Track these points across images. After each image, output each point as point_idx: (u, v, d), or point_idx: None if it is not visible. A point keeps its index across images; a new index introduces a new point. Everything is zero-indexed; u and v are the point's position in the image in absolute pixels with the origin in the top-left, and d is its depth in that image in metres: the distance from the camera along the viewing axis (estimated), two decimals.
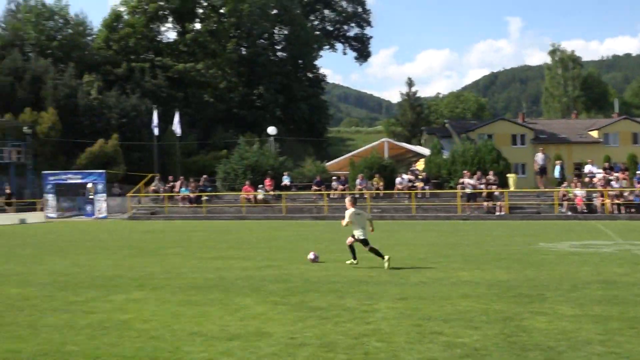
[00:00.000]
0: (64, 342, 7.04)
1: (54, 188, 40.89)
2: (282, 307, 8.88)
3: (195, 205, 38.46)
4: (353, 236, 13.35)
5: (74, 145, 51.02)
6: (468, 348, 6.54)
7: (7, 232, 27.51)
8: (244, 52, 73.81)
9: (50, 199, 40.78)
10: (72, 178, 41.56)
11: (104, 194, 40.20)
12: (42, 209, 41.26)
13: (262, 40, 75.48)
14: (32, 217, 37.63)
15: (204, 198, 38.64)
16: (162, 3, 65.01)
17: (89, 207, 40.94)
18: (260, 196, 37.71)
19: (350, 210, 13.38)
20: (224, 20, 71.16)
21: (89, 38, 66.31)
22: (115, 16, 65.71)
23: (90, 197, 40.98)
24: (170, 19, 69.02)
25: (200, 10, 71.10)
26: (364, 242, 13.20)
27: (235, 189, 39.92)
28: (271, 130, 46.61)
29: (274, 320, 8.06)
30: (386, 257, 12.83)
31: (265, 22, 71.71)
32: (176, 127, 49.01)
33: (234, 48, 69.74)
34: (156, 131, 48.61)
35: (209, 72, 63.09)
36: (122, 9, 67.50)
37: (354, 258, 13.48)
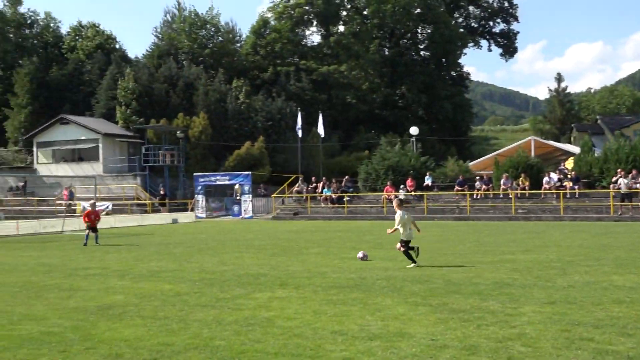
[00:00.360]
0: (211, 337, 7.35)
1: (204, 189, 42.81)
2: (423, 309, 8.80)
3: (337, 205, 38.92)
4: (401, 241, 13.46)
5: (223, 148, 53.15)
6: (621, 356, 6.18)
7: (161, 231, 29.10)
8: (386, 53, 73.84)
9: (200, 199, 42.74)
10: (221, 180, 43.34)
11: (250, 195, 41.59)
12: (192, 209, 43.30)
13: (405, 40, 75.18)
14: (183, 217, 39.58)
15: (346, 199, 39.01)
16: (307, 8, 66.32)
17: (235, 208, 42.53)
18: (401, 196, 37.56)
19: (399, 213, 13.34)
20: (367, 22, 71.56)
21: (237, 45, 68.87)
22: (263, 22, 67.78)
23: (237, 198, 42.56)
24: (314, 23, 70.25)
25: (344, 13, 71.85)
26: (407, 243, 13.28)
27: (376, 190, 40.00)
28: (413, 130, 46.32)
29: (415, 321, 7.99)
30: (412, 265, 13.15)
31: (408, 21, 71.34)
32: (320, 129, 49.91)
33: (376, 49, 69.92)
34: (300, 133, 49.72)
35: (352, 73, 63.57)
36: (269, 15, 69.56)
37: (414, 261, 13.49)
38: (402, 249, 13.62)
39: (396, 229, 13.69)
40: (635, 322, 7.59)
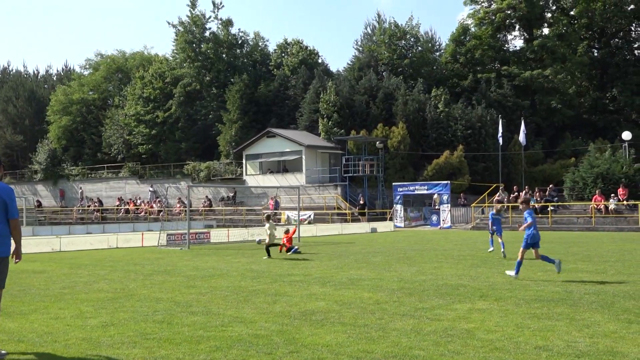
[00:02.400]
0: (410, 347, 7.35)
1: (402, 198, 43.04)
2: (637, 327, 8.20)
3: (541, 215, 37.36)
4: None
5: (421, 157, 53.07)
6: None
7: (361, 240, 29.65)
8: (595, 54, 69.83)
9: (399, 209, 43.02)
10: (419, 189, 43.35)
11: (449, 204, 41.18)
12: (390, 219, 43.68)
13: (617, 39, 70.63)
14: (381, 226, 40.02)
15: (550, 208, 37.36)
16: (509, 12, 64.56)
17: (434, 217, 42.30)
18: (611, 206, 35.28)
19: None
20: (574, 22, 68.21)
21: (437, 54, 68.63)
22: (463, 30, 66.95)
23: (436, 207, 42.30)
24: (517, 27, 68.17)
25: (549, 15, 69.01)
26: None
27: (583, 199, 37.92)
28: (626, 135, 43.33)
29: (628, 339, 7.47)
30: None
31: (620, 19, 67.04)
32: (521, 137, 48.35)
33: (584, 50, 66.35)
34: (501, 141, 48.45)
35: (557, 77, 60.75)
36: (469, 22, 68.62)
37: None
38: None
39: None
40: None
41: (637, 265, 15.39)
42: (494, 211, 20.46)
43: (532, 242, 13.19)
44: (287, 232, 21.40)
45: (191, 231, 27.10)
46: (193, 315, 9.56)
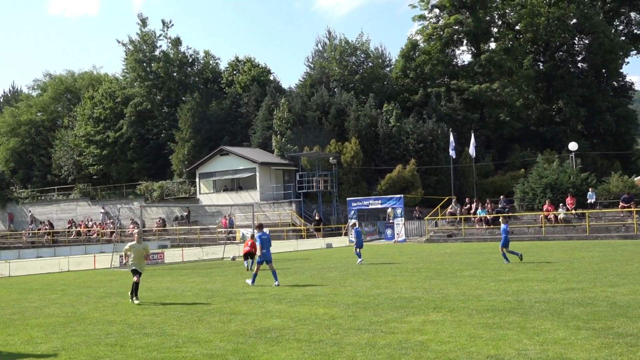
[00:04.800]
0: None
1: (357, 213, 43.25)
2: (585, 332, 8.39)
3: (492, 226, 37.93)
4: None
5: (375, 172, 53.45)
6: None
7: (316, 256, 29.69)
8: (541, 67, 71.46)
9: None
10: (373, 203, 43.64)
11: (403, 218, 41.54)
12: (345, 234, 43.82)
13: (561, 53, 72.44)
14: (337, 242, 40.12)
15: (502, 219, 37.91)
16: (457, 27, 65.68)
17: (389, 231, 42.59)
18: (561, 215, 36.03)
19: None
20: (519, 37, 69.85)
21: (387, 69, 69.36)
22: (412, 45, 67.85)
23: (390, 221, 42.61)
24: (464, 42, 69.39)
25: (495, 30, 70.48)
26: None
27: (534, 209, 38.64)
28: (572, 145, 44.37)
29: (577, 346, 7.65)
30: None
31: (564, 33, 68.88)
32: (471, 149, 49.13)
33: (530, 63, 67.95)
34: (453, 154, 49.13)
35: (505, 90, 61.96)
36: (417, 37, 69.61)
37: None
38: None
39: None
40: None
41: (585, 273, 15.76)
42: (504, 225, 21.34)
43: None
44: (252, 237, 21.53)
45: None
46: (147, 337, 9.46)
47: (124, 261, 14.94)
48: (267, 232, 17.62)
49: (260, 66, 68.28)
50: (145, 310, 12.50)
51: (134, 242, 14.58)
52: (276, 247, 35.32)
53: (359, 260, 22.76)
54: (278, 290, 15.19)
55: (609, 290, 12.33)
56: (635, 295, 11.44)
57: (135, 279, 14.10)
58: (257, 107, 59.03)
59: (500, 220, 22.16)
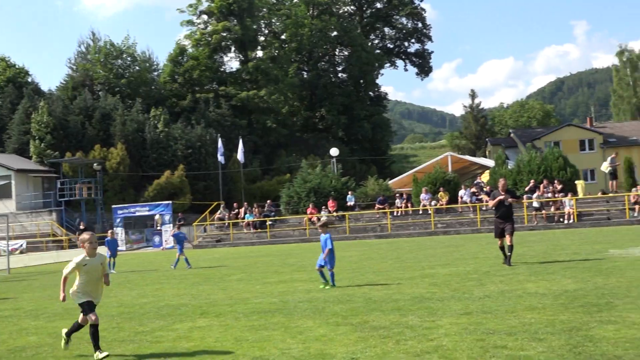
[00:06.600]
0: None
1: (123, 221, 41.95)
2: (344, 328, 8.84)
3: (260, 230, 38.81)
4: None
5: (142, 178, 52.28)
6: None
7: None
8: (305, 76, 74.50)
9: (119, 232, 41.83)
10: (140, 210, 42.64)
11: (171, 225, 41.03)
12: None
13: (323, 63, 76.09)
14: (102, 250, 38.53)
15: (268, 223, 38.96)
16: (224, 34, 66.25)
17: (156, 238, 41.85)
18: (323, 218, 37.78)
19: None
20: (285, 46, 72.18)
21: (155, 73, 68.15)
22: (180, 50, 67.34)
23: (158, 228, 41.90)
24: (232, 49, 70.23)
25: (262, 38, 72.19)
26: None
27: (299, 212, 40.11)
28: (333, 151, 46.76)
29: (336, 341, 8.03)
30: None
31: (325, 44, 72.41)
32: (239, 155, 49.84)
33: (295, 72, 70.60)
34: (222, 159, 49.48)
35: (271, 97, 63.73)
36: (186, 42, 69.20)
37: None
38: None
39: None
40: (546, 327, 7.85)
41: (344, 271, 16.65)
42: None
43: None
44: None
45: None
46: None
47: (62, 292, 8.91)
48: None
49: (16, 66, 63.71)
50: None
51: (84, 256, 8.59)
52: (34, 259, 33.21)
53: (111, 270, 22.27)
54: (35, 305, 14.26)
55: (366, 287, 13.14)
56: (388, 291, 12.31)
57: (91, 318, 8.24)
58: (13, 110, 55.03)
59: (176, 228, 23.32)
